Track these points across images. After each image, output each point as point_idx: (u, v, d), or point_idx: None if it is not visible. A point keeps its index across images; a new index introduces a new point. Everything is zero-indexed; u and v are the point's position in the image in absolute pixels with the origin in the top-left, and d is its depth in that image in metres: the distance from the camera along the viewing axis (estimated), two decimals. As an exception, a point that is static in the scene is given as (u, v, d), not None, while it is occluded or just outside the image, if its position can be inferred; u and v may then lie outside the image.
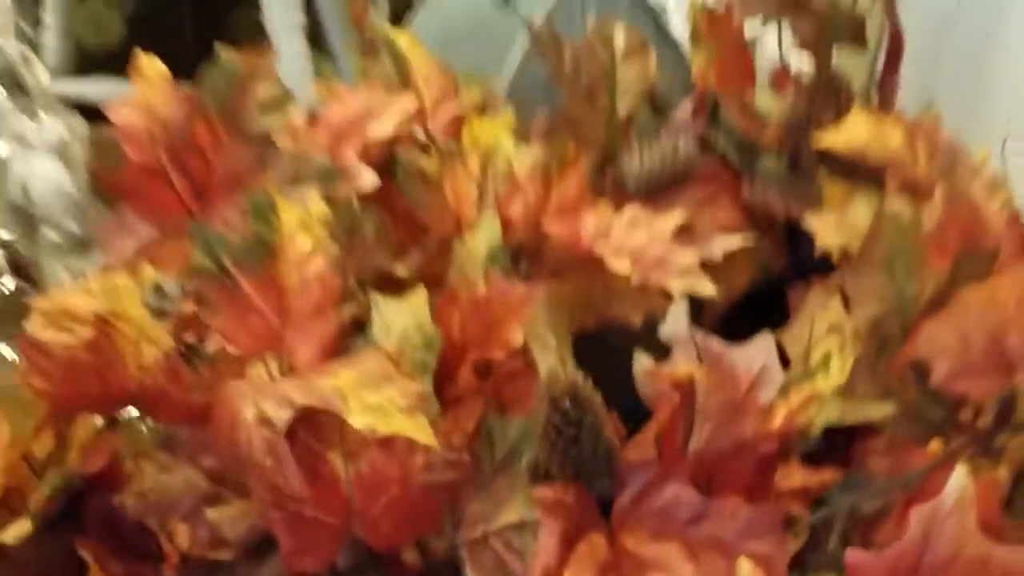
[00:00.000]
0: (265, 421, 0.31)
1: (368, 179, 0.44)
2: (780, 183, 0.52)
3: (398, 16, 1.47)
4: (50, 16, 1.12)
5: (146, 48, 1.41)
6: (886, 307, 0.36)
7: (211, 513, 0.39)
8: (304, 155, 0.43)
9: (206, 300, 0.39)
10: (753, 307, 0.54)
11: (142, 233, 0.44)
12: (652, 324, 0.47)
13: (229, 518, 0.37)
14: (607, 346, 0.46)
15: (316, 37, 1.14)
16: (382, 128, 0.44)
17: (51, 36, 1.13)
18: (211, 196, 0.43)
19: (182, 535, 0.37)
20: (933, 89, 0.97)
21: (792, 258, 0.54)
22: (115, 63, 1.28)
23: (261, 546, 0.37)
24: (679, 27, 0.68)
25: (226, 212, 0.43)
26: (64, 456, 0.46)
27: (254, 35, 0.96)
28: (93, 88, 1.12)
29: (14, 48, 0.62)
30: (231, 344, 0.36)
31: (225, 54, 0.43)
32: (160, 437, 0.43)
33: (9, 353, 0.53)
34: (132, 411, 0.45)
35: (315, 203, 0.41)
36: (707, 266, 0.46)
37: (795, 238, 0.53)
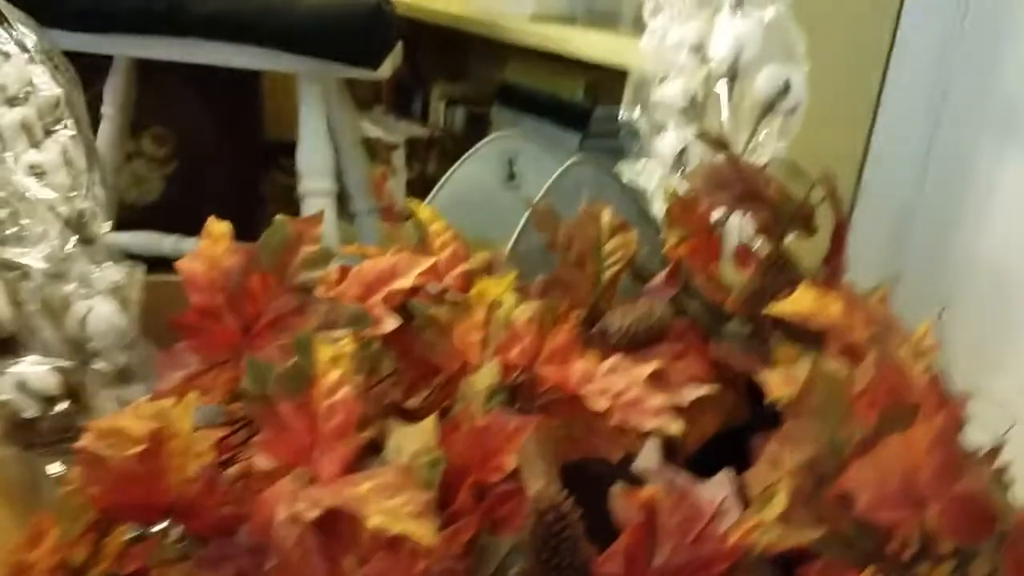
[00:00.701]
0: (296, 518, 0.37)
1: (390, 323, 0.52)
2: (742, 344, 0.60)
3: (415, 188, 1.61)
4: (102, 172, 1.25)
5: (183, 204, 1.55)
6: (820, 449, 0.42)
7: (230, 618, 0.45)
8: (338, 304, 0.51)
9: (249, 426, 0.46)
10: (718, 453, 0.60)
11: (191, 366, 0.52)
12: (628, 460, 0.53)
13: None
14: (588, 477, 0.52)
15: (339, 203, 1.26)
16: (405, 282, 0.53)
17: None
18: (257, 335, 0.51)
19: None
20: (896, 271, 1.08)
21: (753, 409, 0.61)
22: (155, 217, 1.40)
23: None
24: (658, 207, 0.79)
25: (268, 349, 0.50)
26: (98, 562, 0.51)
27: (282, 196, 1.07)
28: (134, 239, 1.23)
29: (85, 204, 0.72)
30: (269, 456, 0.43)
31: (280, 219, 0.52)
32: (185, 548, 0.49)
33: (57, 469, 0.59)
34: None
35: (346, 343, 0.48)
36: (678, 412, 0.53)
37: (755, 393, 0.60)
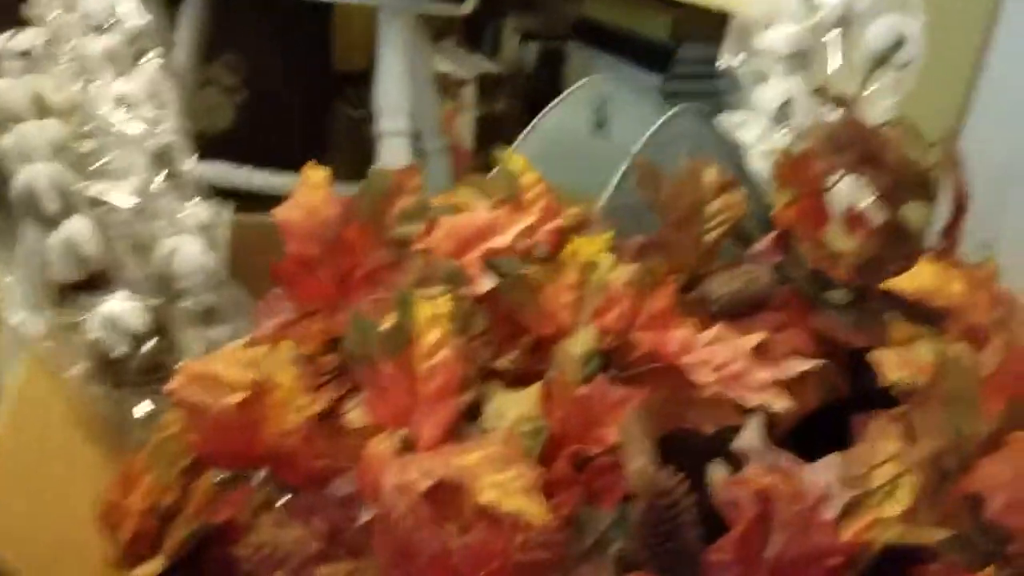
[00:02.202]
0: (407, 488, 0.36)
1: (487, 283, 0.50)
2: (848, 316, 0.57)
3: (484, 126, 1.57)
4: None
5: (254, 133, 1.53)
6: (947, 443, 0.40)
7: (321, 571, 0.45)
8: (434, 259, 0.50)
9: (341, 378, 0.45)
10: (816, 428, 0.58)
11: (286, 314, 0.51)
12: (721, 435, 0.52)
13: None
14: (684, 450, 0.51)
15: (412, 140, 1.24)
16: (503, 241, 0.51)
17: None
18: (352, 288, 0.49)
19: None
20: (995, 236, 1.02)
21: (856, 385, 0.58)
22: (226, 147, 1.40)
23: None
24: (756, 164, 0.75)
25: (363, 303, 0.49)
26: (186, 506, 0.52)
27: (352, 128, 1.05)
28: (207, 170, 1.23)
29: (172, 138, 0.71)
30: (371, 416, 0.42)
31: (378, 169, 0.50)
32: (278, 495, 0.49)
33: (144, 409, 0.59)
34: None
35: (444, 302, 0.47)
36: (780, 385, 0.51)
37: (858, 367, 0.57)
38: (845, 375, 0.58)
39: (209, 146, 1.41)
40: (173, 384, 0.47)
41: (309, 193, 0.50)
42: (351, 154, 1.19)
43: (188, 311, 0.64)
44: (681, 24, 1.24)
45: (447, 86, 1.54)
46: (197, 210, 0.66)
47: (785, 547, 0.38)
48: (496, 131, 1.56)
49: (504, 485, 0.36)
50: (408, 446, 0.42)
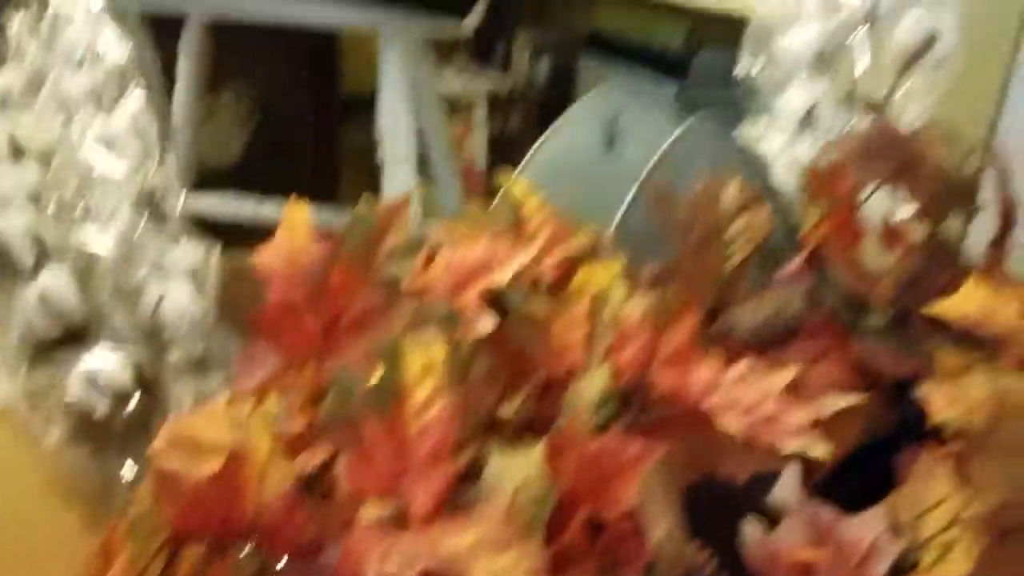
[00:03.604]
0: None
1: (487, 324, 0.46)
2: (888, 341, 0.51)
3: (496, 146, 1.53)
4: (179, 135, 1.22)
5: (263, 163, 1.50)
6: (1008, 496, 0.35)
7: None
8: (427, 300, 0.45)
9: (335, 440, 0.41)
10: (858, 466, 0.53)
11: (270, 364, 0.47)
12: (756, 480, 0.46)
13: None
14: (707, 498, 0.46)
15: (421, 165, 1.20)
16: (502, 277, 0.46)
17: (179, 154, 1.23)
18: (340, 336, 0.45)
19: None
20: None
21: (900, 418, 0.53)
22: (234, 178, 1.37)
23: None
24: (780, 176, 0.70)
25: (352, 351, 0.45)
26: (172, 578, 0.48)
27: (362, 153, 1.01)
28: (214, 203, 1.20)
29: (157, 177, 0.67)
30: (353, 485, 0.37)
31: (364, 205, 0.46)
32: (262, 567, 0.45)
33: (131, 471, 0.55)
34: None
35: (438, 348, 0.42)
36: (816, 424, 0.46)
37: (901, 398, 0.52)
38: (888, 408, 0.53)
39: (217, 177, 1.39)
40: (155, 446, 0.43)
41: (290, 235, 0.45)
42: (363, 179, 1.16)
43: (177, 362, 0.60)
44: (696, 31, 1.19)
45: (457, 106, 1.51)
46: (185, 252, 0.62)
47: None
48: (509, 150, 1.52)
49: (501, 573, 0.31)
50: (399, 517, 0.37)
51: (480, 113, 1.46)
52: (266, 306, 0.44)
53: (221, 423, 0.44)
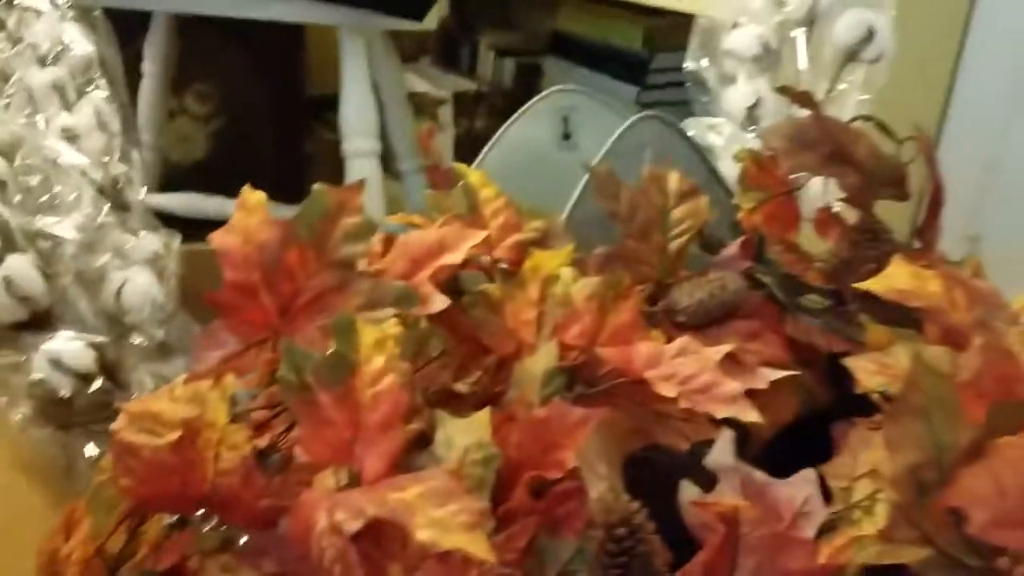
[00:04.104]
0: (336, 529, 0.33)
1: (439, 303, 0.47)
2: (823, 320, 0.54)
3: (463, 145, 1.55)
4: (143, 134, 1.22)
5: (229, 162, 1.52)
6: (924, 455, 0.37)
7: (271, 615, 0.42)
8: (382, 281, 0.47)
9: (289, 410, 0.42)
10: (797, 439, 0.55)
11: (229, 345, 0.48)
12: (698, 450, 0.49)
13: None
14: (653, 470, 0.48)
15: (385, 161, 1.21)
16: (454, 258, 0.48)
17: (143, 152, 1.23)
18: (296, 315, 0.47)
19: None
20: (978, 230, 1.00)
21: (835, 393, 0.55)
22: (200, 177, 1.38)
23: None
24: (727, 167, 0.72)
25: (308, 330, 0.46)
26: (134, 552, 0.49)
27: (330, 152, 1.03)
28: (178, 201, 1.21)
29: (119, 169, 0.68)
30: (307, 453, 0.39)
31: (319, 188, 0.48)
32: (225, 539, 0.46)
33: (94, 450, 0.57)
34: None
35: (391, 325, 0.44)
36: (753, 397, 0.48)
37: (838, 374, 0.55)
38: (824, 382, 0.55)
39: (182, 176, 1.39)
40: (117, 424, 0.44)
41: (246, 217, 0.47)
42: (331, 178, 1.17)
43: (138, 347, 0.61)
44: (654, 34, 1.22)
45: (424, 105, 1.52)
46: (146, 241, 0.63)
47: (756, 571, 0.36)
48: (475, 149, 1.54)
49: (444, 521, 0.33)
50: (354, 482, 0.39)
51: (446, 113, 1.48)
52: (222, 287, 0.46)
53: (181, 399, 0.46)
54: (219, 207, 1.18)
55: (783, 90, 0.53)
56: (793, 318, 0.54)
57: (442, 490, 0.34)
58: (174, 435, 0.42)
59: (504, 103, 1.51)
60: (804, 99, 0.52)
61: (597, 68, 1.31)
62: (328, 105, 1.40)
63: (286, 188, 1.50)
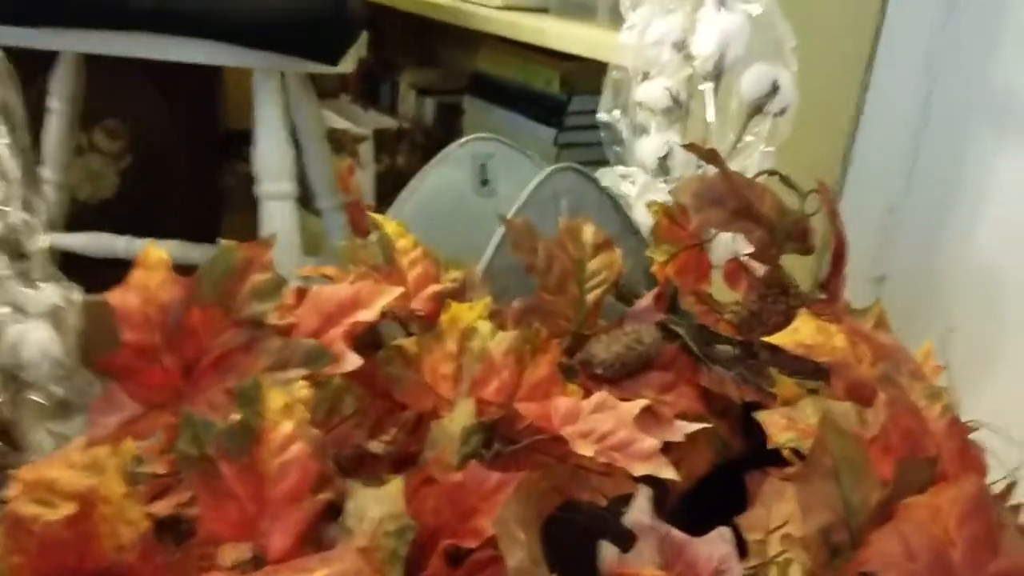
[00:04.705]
0: (241, 614, 0.32)
1: (352, 362, 0.46)
2: (735, 371, 0.55)
3: (384, 182, 1.54)
4: (49, 171, 1.17)
5: (140, 200, 1.46)
6: (835, 516, 0.38)
7: None
8: (292, 339, 0.46)
9: (189, 484, 0.40)
10: (712, 487, 0.56)
11: (128, 408, 0.46)
12: (616, 507, 0.49)
13: None
14: (571, 529, 0.48)
15: (306, 197, 1.19)
16: (369, 315, 0.48)
17: (49, 190, 1.18)
18: (200, 377, 0.45)
19: None
20: (882, 271, 1.04)
21: (749, 442, 0.56)
22: (110, 215, 1.32)
23: None
24: (640, 215, 0.74)
25: (213, 392, 0.45)
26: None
27: (248, 186, 1.00)
28: (85, 241, 1.16)
29: (18, 217, 0.65)
30: (208, 530, 0.37)
31: (225, 245, 0.46)
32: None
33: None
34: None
35: (300, 387, 0.43)
36: (670, 449, 0.48)
37: (750, 423, 0.56)
38: (737, 432, 0.56)
39: (92, 215, 1.34)
40: (9, 493, 0.42)
41: (146, 275, 0.45)
42: (248, 214, 1.14)
43: (36, 404, 0.58)
44: (572, 77, 1.24)
45: (345, 143, 1.51)
46: (46, 294, 0.60)
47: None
48: (396, 186, 1.53)
49: (354, 603, 0.32)
50: (257, 559, 0.38)
51: (367, 150, 1.47)
52: (120, 348, 0.44)
53: (78, 465, 0.43)
54: (128, 247, 1.14)
55: (691, 147, 0.55)
56: (707, 368, 0.55)
57: (351, 572, 0.33)
58: (69, 509, 0.40)
59: (425, 141, 1.51)
60: (711, 156, 0.53)
61: (516, 109, 1.32)
62: (245, 139, 1.38)
63: (200, 227, 1.47)
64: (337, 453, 0.45)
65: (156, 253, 0.46)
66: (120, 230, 1.17)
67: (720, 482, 0.55)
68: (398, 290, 0.49)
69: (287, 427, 0.40)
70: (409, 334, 0.58)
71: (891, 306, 1.01)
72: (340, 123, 1.50)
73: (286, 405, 0.41)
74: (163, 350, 0.45)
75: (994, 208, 0.98)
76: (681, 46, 0.73)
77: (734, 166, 0.74)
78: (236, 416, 0.40)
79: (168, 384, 0.45)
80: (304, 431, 0.41)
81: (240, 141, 1.42)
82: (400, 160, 1.53)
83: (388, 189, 1.52)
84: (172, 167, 1.38)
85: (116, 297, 0.45)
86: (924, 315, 1.02)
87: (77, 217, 1.25)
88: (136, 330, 0.44)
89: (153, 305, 0.45)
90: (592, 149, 0.94)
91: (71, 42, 0.88)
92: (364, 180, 1.50)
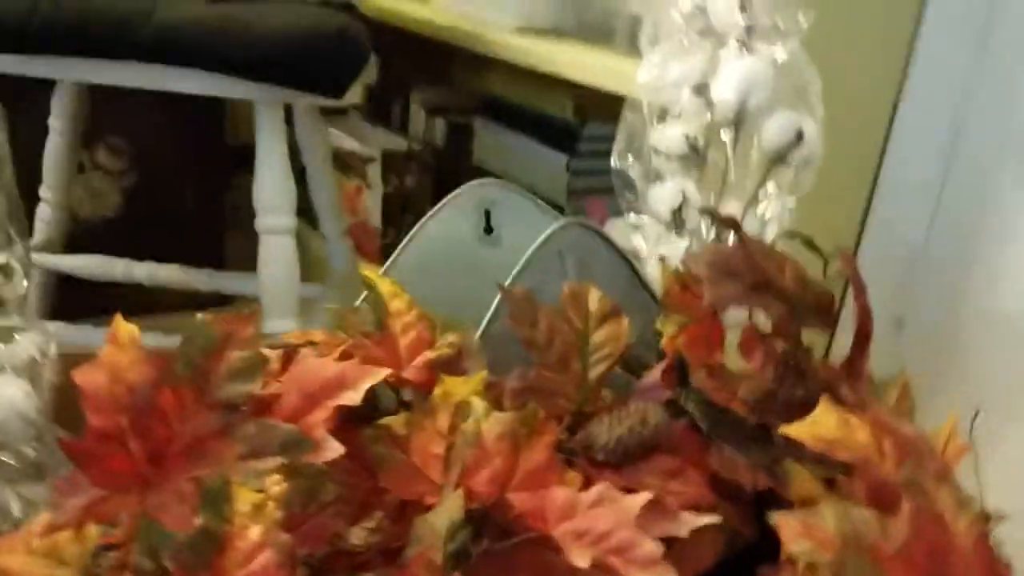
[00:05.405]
0: None
1: (333, 450, 0.43)
2: (747, 453, 0.51)
3: (392, 203, 1.50)
4: (47, 191, 1.15)
5: (144, 219, 1.43)
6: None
7: None
8: (269, 424, 0.43)
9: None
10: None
11: (92, 493, 0.43)
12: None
13: None
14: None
15: (312, 219, 1.17)
16: (354, 396, 0.44)
17: (47, 210, 1.16)
18: (169, 463, 0.42)
19: None
20: (903, 313, 1.00)
21: (760, 527, 0.53)
22: (112, 235, 1.29)
23: None
24: (653, 267, 0.70)
25: (180, 482, 0.41)
26: None
27: (252, 203, 0.97)
28: (83, 263, 1.13)
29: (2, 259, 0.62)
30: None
31: (201, 319, 0.43)
32: None
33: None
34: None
35: (273, 482, 0.40)
36: (675, 541, 0.45)
37: (760, 510, 0.52)
38: (748, 519, 0.52)
39: (93, 234, 1.32)
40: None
41: (116, 353, 0.42)
42: (253, 230, 1.12)
43: (6, 466, 0.55)
44: (585, 103, 1.21)
45: (352, 164, 1.48)
46: (21, 347, 0.57)
47: None
48: (404, 207, 1.50)
49: None
50: None
51: (375, 171, 1.44)
52: (83, 433, 0.41)
53: (36, 555, 0.40)
54: (126, 270, 1.11)
55: (706, 212, 0.51)
56: (717, 450, 0.51)
57: None
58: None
59: (435, 162, 1.48)
60: (729, 223, 0.50)
61: (528, 133, 1.29)
62: (251, 154, 1.35)
63: (204, 248, 1.44)
64: (310, 555, 0.41)
65: (126, 329, 0.42)
66: (122, 249, 1.14)
67: (727, 571, 0.51)
68: (384, 372, 0.45)
69: (255, 533, 0.37)
70: (401, 400, 0.55)
71: (910, 355, 0.96)
72: (348, 143, 1.47)
73: (255, 506, 0.38)
74: (129, 434, 0.41)
75: (1019, 256, 0.93)
76: (701, 90, 0.69)
77: (751, 218, 0.71)
78: (198, 521, 0.36)
79: (133, 471, 0.42)
80: (273, 537, 0.37)
81: (248, 154, 1.40)
82: (409, 181, 1.50)
83: (396, 210, 1.49)
84: (176, 186, 1.35)
85: (83, 376, 0.42)
86: (947, 361, 0.98)
87: (79, 236, 1.23)
88: (102, 413, 0.41)
89: (122, 385, 0.42)
90: (604, 177, 0.90)
91: (69, 71, 0.85)
92: (371, 202, 1.47)
